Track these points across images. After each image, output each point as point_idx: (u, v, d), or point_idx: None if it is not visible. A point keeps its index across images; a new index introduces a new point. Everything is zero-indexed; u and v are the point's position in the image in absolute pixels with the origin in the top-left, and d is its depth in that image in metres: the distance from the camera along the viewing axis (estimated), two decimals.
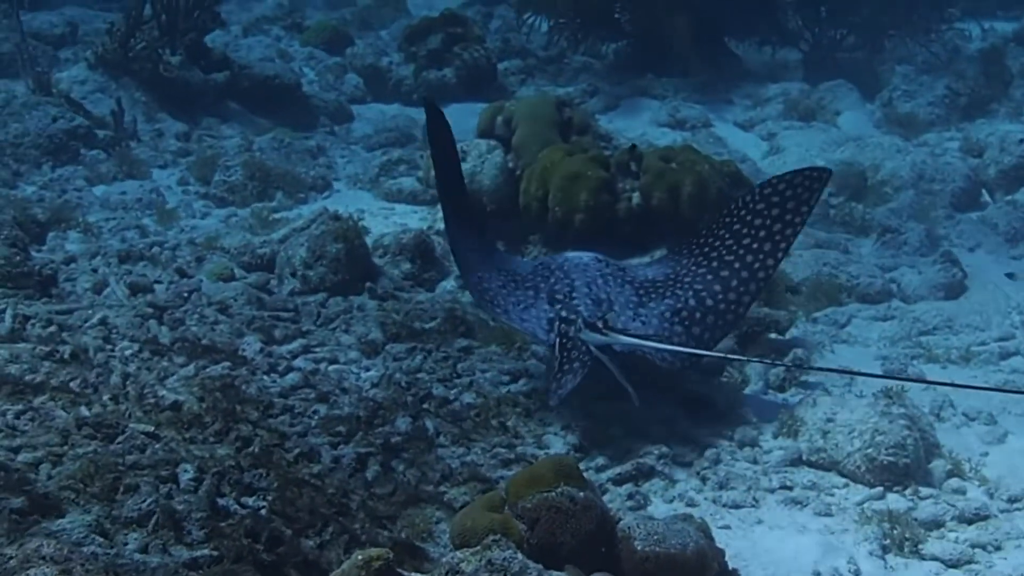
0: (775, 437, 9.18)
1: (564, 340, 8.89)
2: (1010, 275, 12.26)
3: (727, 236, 9.58)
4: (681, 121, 16.88)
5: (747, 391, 9.85)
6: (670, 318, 9.30)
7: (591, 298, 9.26)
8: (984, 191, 14.59)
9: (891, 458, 8.55)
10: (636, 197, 11.67)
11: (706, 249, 9.67)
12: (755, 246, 9.45)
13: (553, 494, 6.05)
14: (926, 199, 14.13)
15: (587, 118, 13.67)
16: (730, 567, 6.73)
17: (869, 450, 8.59)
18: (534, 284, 9.54)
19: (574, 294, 9.30)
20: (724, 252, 9.55)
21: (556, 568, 5.84)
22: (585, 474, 7.83)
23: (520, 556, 5.59)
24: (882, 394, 9.25)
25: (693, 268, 9.64)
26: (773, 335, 10.54)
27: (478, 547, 5.65)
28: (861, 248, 12.98)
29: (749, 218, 9.52)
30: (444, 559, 5.66)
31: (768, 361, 9.93)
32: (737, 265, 9.48)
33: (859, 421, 8.78)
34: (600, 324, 8.94)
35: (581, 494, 6.06)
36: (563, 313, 9.11)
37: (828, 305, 11.46)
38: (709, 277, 9.51)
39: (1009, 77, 18.27)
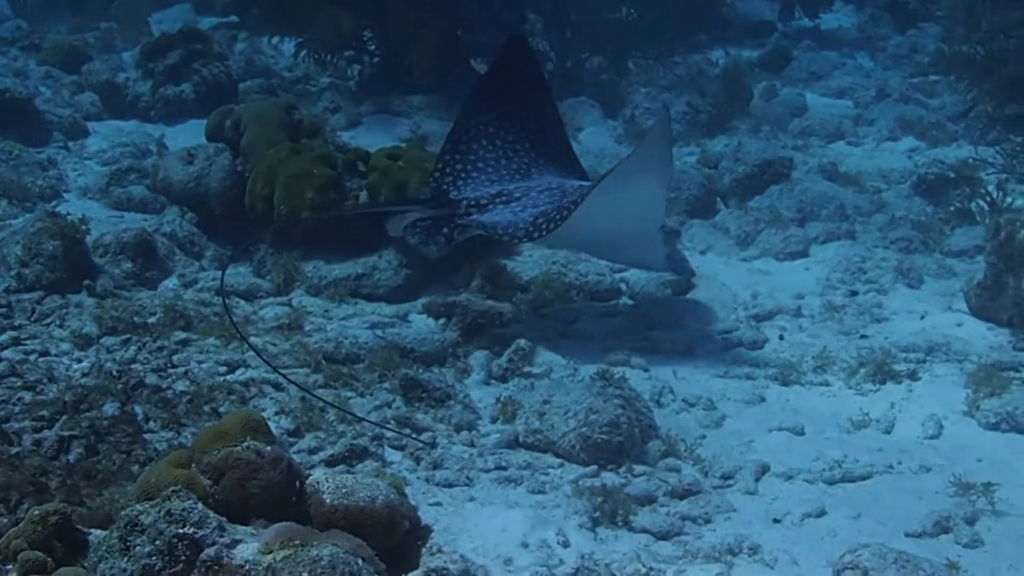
0: (493, 421, 9.23)
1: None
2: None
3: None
4: (423, 136, 16.71)
5: (469, 379, 9.87)
6: (533, 219, 10.44)
7: (505, 194, 10.94)
8: (719, 199, 14.78)
9: (605, 436, 8.64)
10: (364, 195, 11.62)
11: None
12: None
13: (239, 448, 5.89)
14: None
15: (318, 122, 13.53)
16: (431, 531, 6.65)
17: (583, 429, 8.67)
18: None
19: (512, 191, 10.98)
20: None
21: (243, 522, 5.71)
22: (297, 456, 7.79)
23: (200, 506, 5.45)
24: (599, 376, 9.31)
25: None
26: (499, 329, 10.55)
27: (158, 499, 5.50)
28: None
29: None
30: (123, 512, 5.49)
31: None
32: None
33: (574, 402, 8.87)
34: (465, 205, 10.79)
35: (268, 448, 5.94)
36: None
37: (557, 303, 11.49)
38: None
39: (749, 96, 18.62)
